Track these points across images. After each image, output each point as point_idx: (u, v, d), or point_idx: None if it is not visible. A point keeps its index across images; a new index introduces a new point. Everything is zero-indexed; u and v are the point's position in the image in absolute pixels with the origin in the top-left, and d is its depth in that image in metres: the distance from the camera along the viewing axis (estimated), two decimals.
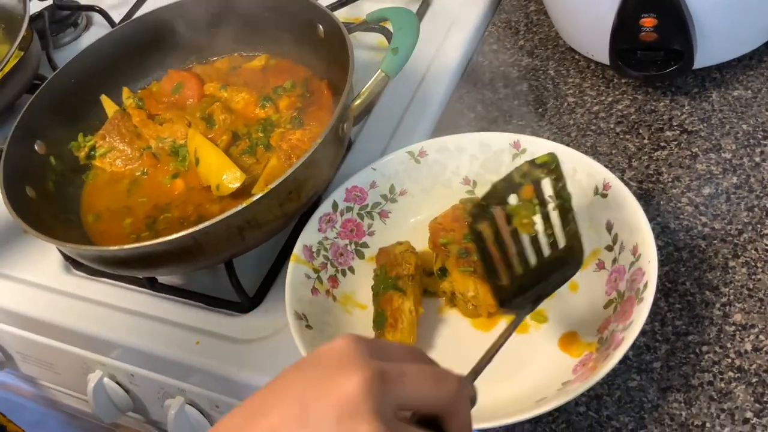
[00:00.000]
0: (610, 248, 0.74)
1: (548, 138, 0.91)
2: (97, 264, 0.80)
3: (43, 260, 0.95)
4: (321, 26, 0.90)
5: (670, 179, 0.85)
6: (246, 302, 0.84)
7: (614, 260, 0.73)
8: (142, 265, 0.77)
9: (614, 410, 0.69)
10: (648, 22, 0.84)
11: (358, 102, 0.81)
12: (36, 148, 0.91)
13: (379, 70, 0.81)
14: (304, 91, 0.93)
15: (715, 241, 0.79)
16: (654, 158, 0.87)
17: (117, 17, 1.27)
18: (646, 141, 0.89)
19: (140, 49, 1.00)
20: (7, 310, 0.94)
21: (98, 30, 1.30)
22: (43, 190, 0.89)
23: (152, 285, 0.88)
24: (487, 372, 0.62)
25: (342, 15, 1.07)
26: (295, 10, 0.93)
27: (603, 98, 0.95)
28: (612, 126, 0.92)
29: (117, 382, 0.90)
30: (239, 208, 0.71)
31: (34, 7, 1.25)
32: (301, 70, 0.96)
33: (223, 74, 0.99)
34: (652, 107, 0.92)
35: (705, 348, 0.72)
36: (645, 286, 0.67)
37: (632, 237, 0.72)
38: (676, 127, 0.90)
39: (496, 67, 1.03)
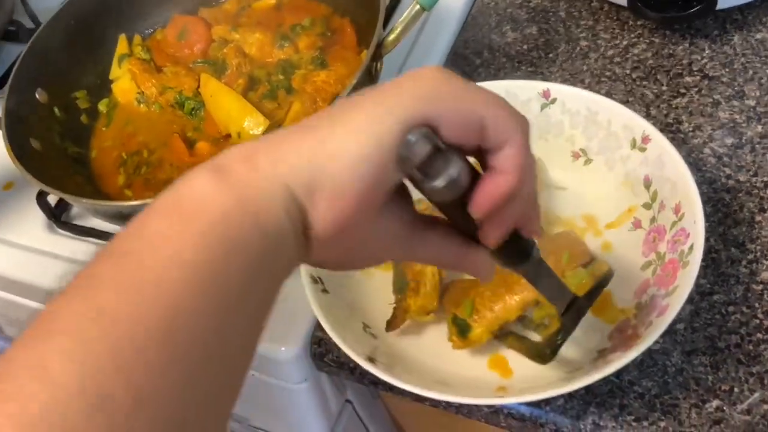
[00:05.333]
0: (648, 206, 0.70)
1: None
2: (115, 220, 0.75)
3: (25, 219, 0.90)
4: None
5: (690, 128, 0.80)
6: None
7: (653, 219, 0.69)
8: None
9: (636, 375, 0.66)
10: None
11: (391, 38, 0.75)
12: (37, 96, 0.84)
13: (414, 2, 0.75)
14: (324, 30, 0.87)
15: (740, 194, 0.74)
16: (673, 106, 0.82)
17: None
18: (664, 87, 0.84)
19: None
20: None
21: None
22: (49, 141, 0.83)
23: None
24: None
25: None
26: None
27: (618, 42, 0.90)
28: (628, 71, 0.87)
29: None
30: None
31: None
32: (319, 7, 0.90)
33: (232, 16, 0.92)
34: (671, 51, 0.87)
35: (731, 308, 0.68)
36: (690, 248, 0.63)
37: (674, 195, 0.67)
38: (696, 73, 0.85)
39: (502, 8, 0.98)
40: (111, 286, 0.33)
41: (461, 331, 0.64)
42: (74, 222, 0.88)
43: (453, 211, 0.43)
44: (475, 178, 0.41)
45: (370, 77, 0.74)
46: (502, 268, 0.53)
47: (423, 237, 0.45)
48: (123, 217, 0.74)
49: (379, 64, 0.76)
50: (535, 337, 0.67)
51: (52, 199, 0.88)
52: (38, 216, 0.89)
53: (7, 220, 0.91)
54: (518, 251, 0.49)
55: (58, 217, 0.88)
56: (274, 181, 0.38)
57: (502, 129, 0.40)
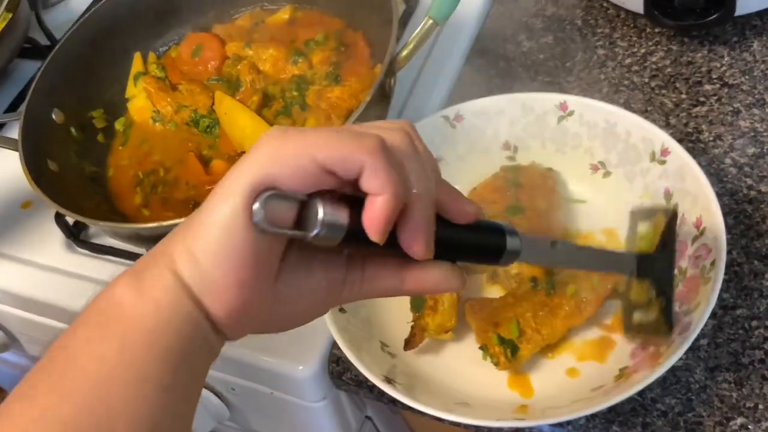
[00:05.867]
0: None
1: (578, 95, 0.85)
2: (133, 242, 0.76)
3: (44, 238, 0.90)
4: None
5: (711, 138, 0.79)
6: None
7: None
8: None
9: (659, 392, 0.65)
10: None
11: (405, 53, 0.75)
12: (54, 117, 0.84)
13: (427, 17, 0.74)
14: (338, 44, 0.86)
15: (763, 206, 0.73)
16: (693, 115, 0.81)
17: None
18: (683, 96, 0.83)
19: (156, 6, 0.92)
20: (8, 292, 0.89)
21: None
22: (66, 162, 0.83)
23: None
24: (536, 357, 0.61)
25: None
26: None
27: (635, 50, 0.89)
28: (646, 80, 0.86)
29: None
30: None
31: None
32: (331, 21, 0.89)
33: (246, 32, 0.92)
34: (689, 59, 0.86)
35: (755, 323, 0.67)
36: (712, 264, 0.62)
37: (695, 208, 0.66)
38: (715, 81, 0.83)
39: (517, 17, 0.97)
40: (52, 389, 0.40)
41: (512, 351, 0.64)
42: (92, 241, 0.88)
43: (374, 246, 0.42)
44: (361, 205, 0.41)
45: (383, 94, 0.74)
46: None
47: (365, 275, 0.46)
48: (140, 239, 0.74)
49: (393, 81, 0.75)
50: (651, 315, 0.64)
51: (71, 218, 0.88)
52: (57, 235, 0.89)
53: (25, 239, 0.91)
54: (485, 246, 0.47)
55: (76, 236, 0.88)
56: (178, 289, 0.41)
57: (348, 160, 0.40)
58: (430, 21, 0.75)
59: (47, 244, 0.90)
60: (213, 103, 0.86)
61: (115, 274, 0.82)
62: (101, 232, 0.89)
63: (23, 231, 0.92)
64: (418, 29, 0.75)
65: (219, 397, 0.82)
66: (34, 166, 0.76)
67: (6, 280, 0.89)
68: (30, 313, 0.90)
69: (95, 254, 0.87)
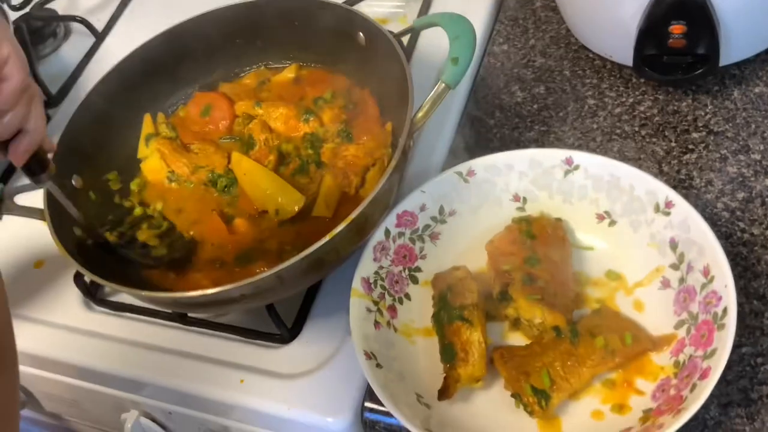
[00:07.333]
0: (675, 267, 0.74)
1: (574, 144, 0.91)
2: (172, 307, 0.78)
3: (60, 297, 0.91)
4: (362, 34, 0.87)
5: (702, 184, 0.85)
6: (286, 334, 0.82)
7: (681, 279, 0.73)
8: (219, 305, 0.76)
9: (679, 429, 0.69)
10: (677, 29, 0.83)
11: (420, 115, 0.78)
12: (74, 183, 0.86)
13: (440, 82, 0.78)
14: (346, 102, 0.90)
15: (756, 248, 0.79)
16: (684, 162, 0.87)
17: (98, 25, 1.22)
18: (673, 144, 0.89)
19: (163, 68, 0.94)
20: (25, 353, 0.89)
21: (79, 39, 1.24)
22: (89, 227, 0.83)
23: (182, 319, 0.85)
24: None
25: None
26: (327, 18, 0.90)
27: (624, 99, 0.95)
28: (637, 129, 0.91)
29: (153, 420, 0.88)
30: (326, 240, 0.70)
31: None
32: (337, 78, 0.92)
33: (252, 91, 0.94)
34: (675, 108, 0.92)
35: (760, 359, 0.73)
36: (724, 311, 0.67)
37: (701, 258, 0.72)
38: (701, 128, 0.90)
39: (509, 68, 1.02)
40: None
41: (545, 400, 0.68)
42: (110, 299, 0.90)
43: None
44: None
45: (404, 156, 0.77)
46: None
47: None
48: (193, 306, 0.76)
49: (411, 142, 0.79)
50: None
51: (87, 276, 0.90)
52: (73, 293, 0.91)
53: (41, 299, 0.92)
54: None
55: (94, 294, 0.90)
56: None
57: None
58: (443, 85, 0.79)
59: (64, 303, 0.91)
60: (229, 162, 0.88)
61: (133, 331, 0.86)
62: (118, 290, 0.91)
63: (38, 291, 0.93)
64: (432, 93, 0.79)
65: None
66: (62, 235, 0.78)
67: (23, 341, 0.89)
68: (48, 372, 0.91)
69: (114, 312, 0.89)
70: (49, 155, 0.72)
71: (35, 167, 0.71)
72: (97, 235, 0.82)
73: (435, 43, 1.00)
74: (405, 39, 0.97)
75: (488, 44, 1.05)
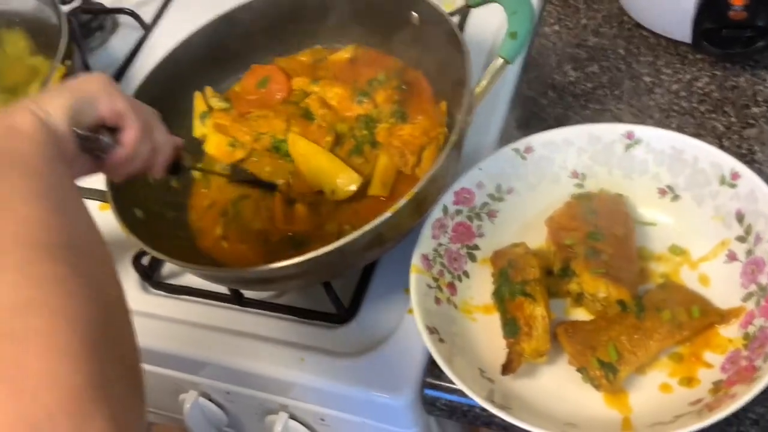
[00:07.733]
0: (742, 239, 0.73)
1: (631, 122, 0.90)
2: (232, 284, 0.79)
3: None
4: (415, 14, 0.87)
5: (765, 158, 0.84)
6: (343, 313, 0.82)
7: (749, 251, 0.72)
8: (279, 282, 0.76)
9: (749, 402, 0.68)
10: (739, 0, 0.81)
11: (479, 90, 0.78)
12: None
13: (498, 57, 0.78)
14: (399, 83, 0.89)
15: None
16: (744, 137, 0.86)
17: (146, 17, 1.23)
18: (733, 119, 0.88)
19: (217, 51, 0.94)
20: None
21: (127, 32, 1.25)
22: (148, 208, 0.84)
23: (239, 300, 0.86)
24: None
25: None
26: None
27: (680, 76, 0.93)
28: (695, 105, 0.90)
29: (212, 400, 0.88)
30: (388, 215, 0.70)
31: None
32: (390, 60, 0.91)
33: (308, 68, 0.94)
34: (734, 83, 0.91)
35: None
36: None
37: None
38: (762, 103, 0.88)
39: (560, 48, 1.01)
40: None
41: (613, 373, 0.67)
42: (167, 282, 0.91)
43: None
44: None
45: (463, 133, 0.77)
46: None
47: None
48: (255, 282, 0.77)
49: (470, 117, 0.79)
50: None
51: (145, 259, 0.90)
52: (131, 277, 0.91)
53: None
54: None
55: (151, 277, 0.90)
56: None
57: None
58: (501, 60, 0.79)
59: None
60: (288, 127, 0.88)
61: (191, 313, 0.86)
62: (174, 273, 0.91)
63: None
64: (490, 68, 0.79)
65: (308, 428, 0.84)
66: (125, 215, 0.78)
67: None
68: None
69: (171, 294, 0.90)
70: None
71: (173, 169, 0.74)
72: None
73: (482, 24, 1.00)
74: (455, 19, 0.97)
75: (539, 25, 1.04)
